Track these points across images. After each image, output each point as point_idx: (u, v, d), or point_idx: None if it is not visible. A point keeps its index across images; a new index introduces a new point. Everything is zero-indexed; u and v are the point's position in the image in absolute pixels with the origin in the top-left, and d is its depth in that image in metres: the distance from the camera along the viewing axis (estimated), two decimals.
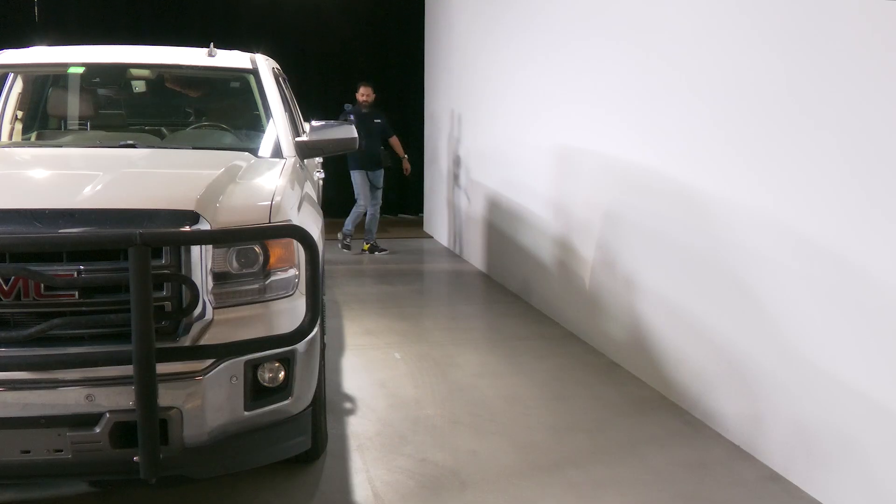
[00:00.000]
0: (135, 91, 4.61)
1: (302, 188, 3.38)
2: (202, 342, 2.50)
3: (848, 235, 3.00)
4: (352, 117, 8.02)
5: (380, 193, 8.82)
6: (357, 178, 8.56)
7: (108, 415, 2.38)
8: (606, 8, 4.96)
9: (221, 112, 4.58)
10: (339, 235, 8.81)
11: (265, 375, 2.63)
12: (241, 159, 3.33)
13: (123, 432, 2.40)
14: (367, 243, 8.77)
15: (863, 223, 2.92)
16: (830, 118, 3.06)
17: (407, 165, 8.86)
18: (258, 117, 4.11)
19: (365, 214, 8.70)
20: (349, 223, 8.76)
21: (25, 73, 4.35)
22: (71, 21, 9.52)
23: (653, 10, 4.39)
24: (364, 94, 8.47)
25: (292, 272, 2.69)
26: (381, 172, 8.71)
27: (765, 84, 3.44)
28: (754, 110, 3.52)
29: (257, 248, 2.61)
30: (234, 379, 2.52)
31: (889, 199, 2.79)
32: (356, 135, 4.06)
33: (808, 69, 3.18)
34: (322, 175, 5.61)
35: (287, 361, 2.68)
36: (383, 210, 11.78)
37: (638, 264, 4.61)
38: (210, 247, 2.52)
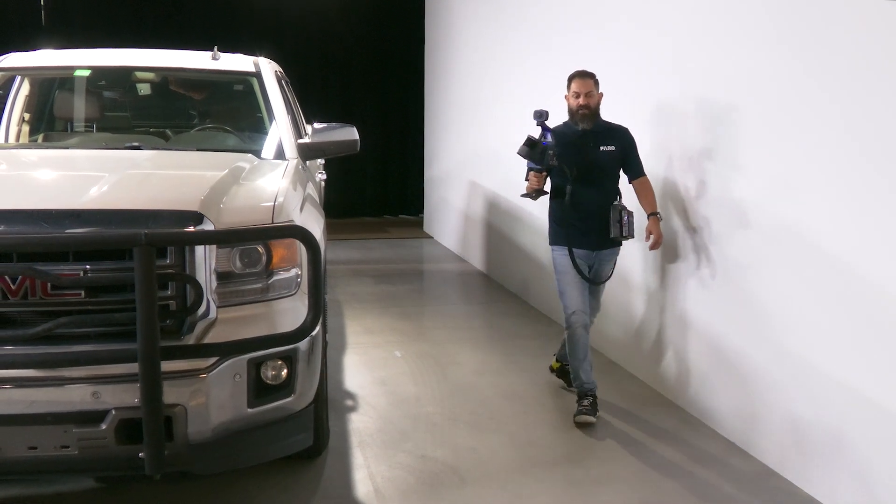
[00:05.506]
0: (140, 94, 4.64)
1: (304, 189, 3.42)
2: (206, 340, 2.53)
3: (841, 234, 3.03)
4: (548, 140, 3.90)
5: (600, 295, 4.26)
6: (556, 260, 4.11)
7: (113, 412, 2.42)
8: (606, 8, 4.99)
9: (225, 114, 4.61)
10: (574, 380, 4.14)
11: (268, 373, 2.67)
12: (244, 161, 3.36)
13: (129, 429, 2.43)
14: (558, 360, 4.56)
15: (858, 221, 2.96)
16: (828, 113, 3.10)
17: (658, 234, 3.95)
18: (261, 119, 4.14)
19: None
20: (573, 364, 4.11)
21: (32, 76, 4.39)
22: (77, 25, 9.56)
23: (651, 9, 4.43)
24: (581, 90, 3.99)
25: (294, 272, 2.73)
26: (611, 255, 4.11)
27: (765, 82, 3.48)
28: (751, 106, 3.56)
29: (260, 249, 2.64)
30: (238, 376, 2.56)
31: (886, 198, 2.83)
32: (357, 136, 3.95)
33: (815, 69, 3.22)
34: (324, 177, 5.65)
35: (289, 359, 2.71)
36: (383, 210, 11.48)
37: (636, 263, 4.64)
38: (214, 247, 2.55)
